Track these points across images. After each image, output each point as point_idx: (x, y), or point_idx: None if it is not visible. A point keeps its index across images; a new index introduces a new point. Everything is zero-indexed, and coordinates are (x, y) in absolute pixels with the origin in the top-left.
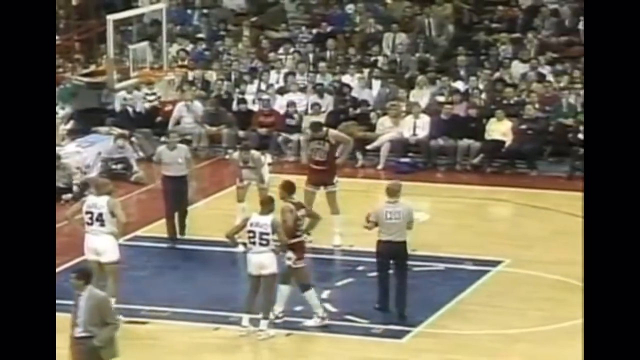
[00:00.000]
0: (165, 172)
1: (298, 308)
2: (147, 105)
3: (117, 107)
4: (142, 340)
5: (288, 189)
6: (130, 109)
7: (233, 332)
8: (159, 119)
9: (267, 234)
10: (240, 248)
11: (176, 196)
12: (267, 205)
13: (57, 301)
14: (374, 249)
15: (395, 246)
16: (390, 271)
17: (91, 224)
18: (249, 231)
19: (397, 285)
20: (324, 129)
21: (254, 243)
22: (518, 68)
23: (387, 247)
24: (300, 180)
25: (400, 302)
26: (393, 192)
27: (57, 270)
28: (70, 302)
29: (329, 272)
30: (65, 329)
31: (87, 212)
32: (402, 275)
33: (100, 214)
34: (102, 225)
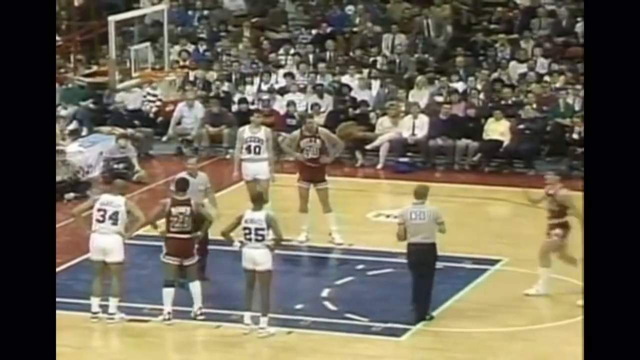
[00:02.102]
0: None
1: (298, 306)
2: (148, 105)
3: (119, 107)
4: (144, 338)
5: (178, 185)
6: (131, 109)
7: (234, 329)
8: (160, 119)
9: (262, 229)
10: (237, 244)
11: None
12: (258, 201)
13: (60, 299)
14: (373, 248)
15: (423, 248)
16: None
17: (102, 221)
18: (245, 228)
19: (425, 286)
20: (315, 125)
21: (250, 239)
22: (516, 68)
23: (415, 249)
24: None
25: (424, 303)
26: (419, 194)
27: (60, 268)
28: (71, 301)
29: (329, 270)
30: (66, 327)
31: (99, 210)
32: (429, 277)
33: (116, 212)
34: (114, 224)
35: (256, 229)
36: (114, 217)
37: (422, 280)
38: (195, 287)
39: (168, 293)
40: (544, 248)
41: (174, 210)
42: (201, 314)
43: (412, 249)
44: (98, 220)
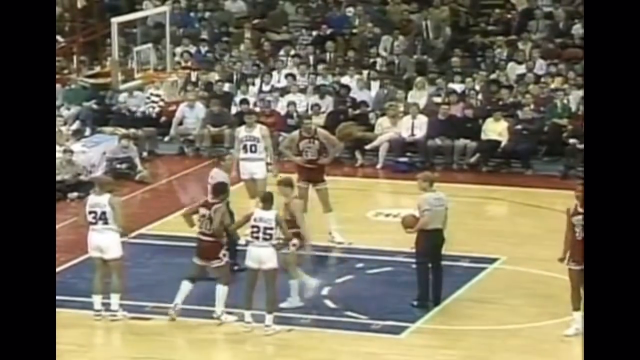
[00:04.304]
0: None
1: (299, 304)
2: (151, 106)
3: (121, 108)
4: (146, 336)
5: (213, 188)
6: (134, 110)
7: (236, 327)
8: (162, 119)
9: (271, 228)
10: (242, 242)
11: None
12: (268, 200)
13: (63, 297)
14: (372, 247)
15: (440, 234)
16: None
17: (95, 223)
18: (253, 226)
19: (436, 273)
20: (313, 126)
21: (257, 237)
22: (513, 70)
23: (435, 236)
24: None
25: (438, 290)
26: (432, 182)
27: (63, 267)
28: (74, 299)
29: (329, 269)
30: (70, 325)
31: (90, 212)
32: (441, 264)
33: (104, 212)
34: (106, 223)
35: (265, 228)
36: (104, 218)
37: (434, 267)
38: (219, 290)
39: (184, 287)
40: (288, 261)
41: (200, 210)
42: (218, 317)
43: (432, 235)
44: (91, 222)
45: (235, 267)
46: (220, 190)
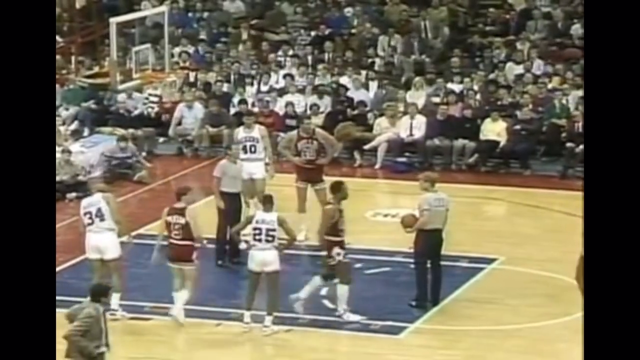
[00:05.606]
0: (226, 188)
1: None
2: (150, 106)
3: (120, 108)
4: (145, 336)
5: (336, 189)
6: (132, 110)
7: (234, 328)
8: (161, 119)
9: (273, 230)
10: (244, 245)
11: (234, 215)
12: (269, 202)
13: (62, 298)
14: (371, 247)
15: (439, 234)
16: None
17: (92, 222)
18: (255, 228)
19: (435, 273)
20: (312, 127)
21: (259, 240)
22: (512, 70)
23: (434, 236)
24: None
25: (437, 291)
26: (434, 182)
27: (62, 267)
28: (73, 299)
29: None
30: (66, 325)
31: (85, 213)
32: (440, 264)
33: (99, 209)
34: (102, 220)
35: (267, 230)
36: (99, 214)
37: (433, 267)
38: (340, 289)
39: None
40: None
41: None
42: (339, 315)
43: (432, 236)
44: (88, 223)
45: (219, 262)
46: (336, 189)
